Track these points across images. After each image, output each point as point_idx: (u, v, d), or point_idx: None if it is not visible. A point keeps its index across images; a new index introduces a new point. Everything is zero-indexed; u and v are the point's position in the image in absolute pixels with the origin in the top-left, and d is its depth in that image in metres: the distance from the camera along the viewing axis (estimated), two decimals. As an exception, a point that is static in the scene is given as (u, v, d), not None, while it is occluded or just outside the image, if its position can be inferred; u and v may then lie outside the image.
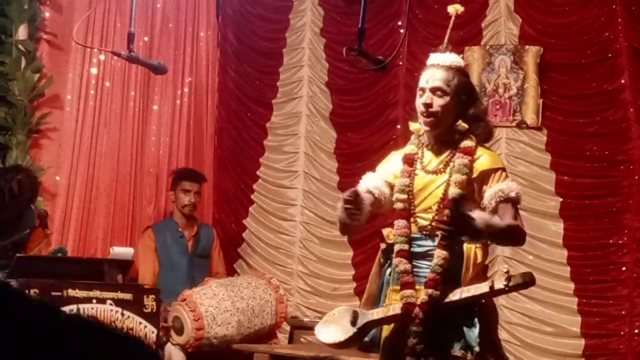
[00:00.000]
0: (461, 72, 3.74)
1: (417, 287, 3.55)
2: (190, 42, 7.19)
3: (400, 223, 3.64)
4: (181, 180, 6.59)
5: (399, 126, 6.37)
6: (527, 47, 6.01)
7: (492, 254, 5.94)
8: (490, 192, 3.58)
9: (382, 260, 3.76)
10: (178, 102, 7.10)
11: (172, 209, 6.71)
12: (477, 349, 3.46)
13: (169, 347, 5.97)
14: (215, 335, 5.98)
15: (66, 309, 4.71)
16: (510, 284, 3.41)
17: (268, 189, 7.07)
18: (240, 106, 7.25)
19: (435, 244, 3.56)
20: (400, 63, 6.43)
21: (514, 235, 3.60)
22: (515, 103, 6.02)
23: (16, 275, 4.80)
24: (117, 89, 6.65)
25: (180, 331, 5.94)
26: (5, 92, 6.11)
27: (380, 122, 6.58)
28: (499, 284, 3.43)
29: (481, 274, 3.62)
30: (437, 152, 3.71)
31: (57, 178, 6.31)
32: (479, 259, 3.55)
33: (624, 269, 5.68)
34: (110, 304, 5.01)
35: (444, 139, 3.70)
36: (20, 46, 6.15)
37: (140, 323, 5.09)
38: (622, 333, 5.62)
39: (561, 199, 5.91)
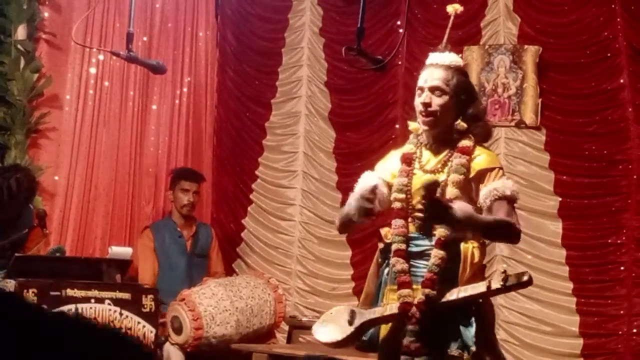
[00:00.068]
0: (460, 72, 3.73)
1: (414, 286, 3.55)
2: (189, 42, 7.19)
3: (397, 222, 3.64)
4: (180, 179, 6.59)
5: (397, 126, 6.37)
6: (526, 46, 6.01)
7: (491, 253, 5.96)
8: (485, 190, 3.58)
9: (380, 259, 3.75)
10: (177, 101, 7.10)
11: (170, 208, 6.71)
12: (473, 348, 3.46)
13: (167, 347, 5.98)
14: (214, 335, 5.98)
15: (65, 308, 4.75)
16: (507, 283, 3.41)
17: (267, 189, 7.07)
18: (239, 106, 7.25)
19: (433, 243, 3.56)
20: (399, 63, 6.43)
21: (503, 231, 3.57)
22: (514, 103, 6.02)
23: (15, 275, 4.81)
24: (116, 88, 6.65)
25: (179, 331, 5.94)
26: (4, 92, 6.11)
27: (379, 122, 6.58)
28: (496, 284, 3.42)
29: (478, 273, 3.62)
30: (436, 152, 3.71)
31: (56, 178, 6.31)
32: (476, 259, 3.54)
33: (622, 268, 5.68)
34: (109, 304, 5.01)
35: (443, 138, 3.70)
36: (19, 46, 6.15)
37: (138, 323, 5.10)
38: (620, 332, 5.62)
39: (560, 199, 5.91)
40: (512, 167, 5.98)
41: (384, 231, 3.72)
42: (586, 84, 5.86)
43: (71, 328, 1.37)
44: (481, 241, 3.63)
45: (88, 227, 6.46)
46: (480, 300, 3.57)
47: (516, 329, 5.93)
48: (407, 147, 3.79)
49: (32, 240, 5.46)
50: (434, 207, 3.38)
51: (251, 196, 7.13)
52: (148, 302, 5.17)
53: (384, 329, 3.70)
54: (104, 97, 6.58)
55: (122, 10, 6.52)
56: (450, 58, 3.73)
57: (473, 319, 3.51)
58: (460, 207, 3.42)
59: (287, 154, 7.02)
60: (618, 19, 5.72)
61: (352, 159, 6.60)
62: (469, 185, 3.60)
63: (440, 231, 3.55)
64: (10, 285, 4.74)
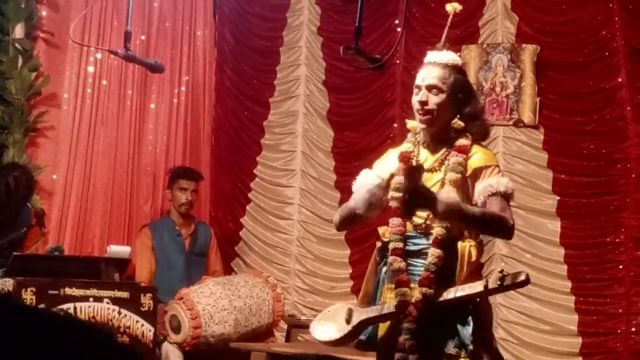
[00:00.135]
0: (458, 70, 3.73)
1: (412, 285, 3.55)
2: (188, 41, 7.19)
3: (395, 221, 3.64)
4: (178, 178, 6.59)
5: (396, 125, 6.37)
6: (524, 45, 6.01)
7: (489, 252, 5.96)
8: (480, 186, 3.58)
9: (377, 258, 3.76)
10: (175, 100, 7.10)
11: (169, 207, 6.71)
12: (471, 347, 3.46)
13: (166, 346, 5.98)
14: (213, 334, 5.98)
15: (63, 307, 4.75)
16: (505, 283, 3.41)
17: (265, 188, 7.07)
18: (238, 105, 7.25)
19: (430, 242, 3.56)
20: (398, 62, 6.43)
21: (495, 225, 3.55)
22: (512, 101, 6.02)
23: (13, 274, 4.80)
24: (114, 87, 6.65)
25: (177, 330, 5.94)
26: (2, 90, 6.11)
27: (377, 121, 6.58)
28: (493, 283, 3.43)
29: (476, 272, 3.62)
30: (433, 150, 3.71)
31: (54, 177, 6.31)
32: (474, 257, 3.54)
33: (621, 267, 5.68)
34: (107, 303, 5.01)
35: (440, 137, 3.70)
36: (17, 45, 6.15)
37: (137, 321, 5.09)
38: (619, 331, 5.63)
39: (558, 198, 5.91)
40: (511, 166, 5.98)
41: (381, 230, 3.72)
42: (584, 83, 5.86)
43: (57, 327, 1.37)
44: (478, 239, 3.62)
45: (86, 226, 6.46)
46: (478, 299, 3.58)
47: (515, 328, 5.94)
48: (405, 146, 3.79)
49: (30, 239, 5.45)
50: (416, 192, 3.38)
51: (250, 195, 7.13)
52: (147, 300, 5.17)
53: (382, 328, 3.70)
54: (102, 96, 6.58)
55: (120, 9, 6.52)
56: (448, 56, 3.73)
57: (470, 317, 3.51)
58: (445, 196, 3.43)
59: (286, 153, 7.02)
60: (616, 18, 5.71)
61: (350, 157, 6.60)
62: (466, 184, 3.60)
63: (437, 230, 3.55)
64: (9, 284, 4.74)
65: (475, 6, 6.16)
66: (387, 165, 3.81)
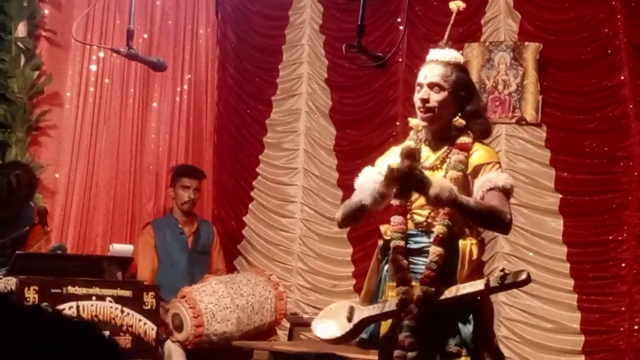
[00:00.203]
0: (460, 68, 3.73)
1: (413, 283, 3.55)
2: (190, 40, 7.19)
3: (396, 219, 3.64)
4: (180, 176, 6.60)
5: (398, 123, 6.37)
6: (526, 43, 6.01)
7: (492, 250, 5.96)
8: (479, 182, 3.57)
9: (379, 256, 3.76)
10: (177, 99, 7.10)
11: (171, 206, 6.72)
12: (471, 345, 3.46)
13: (168, 344, 5.98)
14: (215, 332, 5.99)
15: (66, 306, 4.76)
16: (506, 282, 3.41)
17: (267, 186, 7.07)
18: (240, 103, 7.25)
19: (431, 240, 3.56)
20: (400, 60, 6.43)
21: (490, 218, 3.51)
22: (515, 99, 6.02)
23: (16, 273, 4.81)
24: (116, 86, 6.65)
25: (179, 328, 5.95)
26: (4, 89, 6.11)
27: (379, 119, 6.58)
28: (494, 282, 3.42)
29: (477, 270, 3.62)
30: (435, 148, 3.71)
31: (57, 175, 6.31)
32: (475, 256, 3.54)
33: (623, 265, 5.68)
34: (110, 301, 5.01)
35: (442, 135, 3.69)
36: (19, 44, 6.15)
37: (139, 320, 5.10)
38: (621, 329, 5.62)
39: (561, 196, 5.91)
40: (513, 164, 5.98)
41: (383, 228, 3.72)
42: (587, 81, 5.85)
43: (39, 324, 1.38)
44: (480, 238, 3.62)
45: (89, 225, 6.46)
46: (479, 298, 3.57)
47: (517, 326, 5.93)
48: (407, 144, 3.78)
49: (33, 237, 5.46)
50: (410, 172, 3.37)
51: (252, 193, 7.13)
52: (149, 299, 5.17)
53: (385, 326, 3.70)
54: (104, 95, 6.58)
55: (122, 7, 6.52)
56: (450, 54, 3.73)
57: (471, 316, 3.51)
58: (440, 181, 3.43)
59: (288, 151, 7.02)
60: (618, 16, 5.71)
61: (352, 156, 6.60)
62: (467, 182, 3.59)
63: (438, 228, 3.55)
64: (12, 282, 4.75)
65: (478, 4, 6.15)
66: (389, 163, 3.80)
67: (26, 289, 4.71)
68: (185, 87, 7.15)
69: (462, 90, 3.66)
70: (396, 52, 5.94)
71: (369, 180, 3.61)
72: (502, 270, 3.43)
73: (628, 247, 5.67)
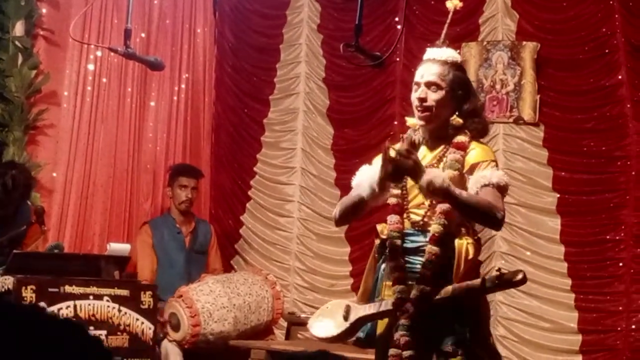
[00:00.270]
0: (457, 67, 3.72)
1: (409, 282, 3.55)
2: (187, 39, 7.19)
3: (393, 218, 3.64)
4: (178, 176, 6.60)
5: (396, 122, 6.37)
6: (524, 43, 6.01)
7: (489, 249, 5.97)
8: (473, 179, 3.55)
9: (376, 255, 3.75)
10: (175, 98, 7.10)
11: (169, 205, 6.71)
12: (468, 344, 3.46)
13: (165, 344, 5.98)
14: (212, 332, 5.99)
15: (63, 305, 4.75)
16: (501, 281, 3.41)
17: (265, 185, 7.07)
18: (238, 102, 7.25)
19: (428, 239, 3.56)
20: (398, 59, 6.43)
21: (480, 211, 3.47)
22: (513, 99, 6.02)
23: (13, 272, 4.81)
24: (114, 85, 6.64)
25: (176, 327, 5.95)
26: (1, 88, 6.11)
27: (377, 118, 6.58)
28: (491, 282, 3.42)
29: (473, 270, 3.61)
30: (432, 147, 3.71)
31: (54, 174, 6.31)
32: (471, 255, 3.53)
33: (621, 264, 5.68)
34: (107, 300, 5.02)
35: (439, 134, 3.69)
36: (17, 42, 6.15)
37: (137, 319, 5.10)
38: (619, 329, 5.62)
39: (558, 195, 5.91)
40: (511, 163, 5.98)
41: (380, 227, 3.72)
42: (584, 81, 5.85)
43: (21, 320, 1.38)
44: (476, 237, 3.62)
45: (86, 224, 6.46)
46: (475, 297, 3.57)
47: (515, 325, 5.93)
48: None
49: (30, 236, 5.46)
50: (407, 156, 3.37)
51: (249, 193, 7.13)
52: (147, 298, 5.17)
53: (381, 325, 3.70)
54: (102, 94, 6.58)
55: (120, 6, 6.52)
56: (447, 53, 3.73)
57: (467, 315, 3.51)
58: (433, 171, 3.42)
59: (285, 151, 7.01)
60: (616, 16, 5.71)
61: (350, 155, 6.60)
62: (464, 180, 3.59)
63: (434, 227, 3.54)
64: (9, 282, 4.75)
65: (476, 3, 6.16)
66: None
67: (23, 288, 4.71)
68: (183, 86, 7.15)
69: (459, 89, 3.66)
70: (394, 51, 5.93)
71: (367, 176, 3.61)
72: (498, 269, 3.43)
73: (625, 246, 5.67)
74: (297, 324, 6.50)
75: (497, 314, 5.92)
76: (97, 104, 6.54)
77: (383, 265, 3.69)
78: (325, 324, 3.77)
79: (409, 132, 3.81)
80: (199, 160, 7.19)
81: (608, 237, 5.73)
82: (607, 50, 5.77)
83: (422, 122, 3.67)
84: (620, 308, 5.64)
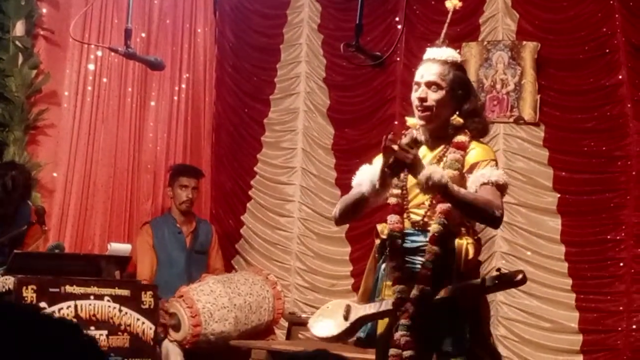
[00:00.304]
0: (457, 67, 3.72)
1: (409, 282, 3.55)
2: (188, 39, 7.18)
3: (393, 218, 3.64)
4: (178, 176, 6.59)
5: (396, 122, 6.36)
6: (524, 42, 6.00)
7: (490, 249, 5.96)
8: (472, 177, 3.55)
9: (377, 255, 3.76)
10: (175, 98, 7.09)
11: (169, 205, 6.71)
12: (467, 344, 3.46)
13: (166, 344, 5.98)
14: (213, 332, 5.99)
15: (64, 305, 4.75)
16: (501, 281, 3.41)
17: (265, 185, 7.07)
18: (238, 102, 7.25)
19: (428, 239, 3.56)
20: (398, 59, 6.42)
21: (478, 209, 3.46)
22: (513, 99, 6.01)
23: (14, 272, 4.81)
24: (114, 85, 6.64)
25: (177, 327, 5.95)
26: (2, 88, 6.11)
27: (377, 118, 6.58)
28: (490, 282, 3.43)
29: (473, 270, 3.61)
30: (432, 147, 3.71)
31: (55, 174, 6.31)
32: (471, 255, 3.53)
33: (621, 264, 5.67)
34: (108, 300, 5.01)
35: (439, 133, 3.69)
36: (17, 42, 6.15)
37: (137, 319, 5.10)
38: (619, 329, 5.62)
39: (559, 195, 5.91)
40: (511, 163, 5.98)
41: (380, 227, 3.72)
42: (585, 80, 5.85)
43: (17, 319, 1.38)
44: (476, 237, 3.62)
45: (87, 224, 6.46)
46: (475, 297, 3.57)
47: (515, 325, 5.93)
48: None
49: (31, 236, 5.46)
50: (407, 150, 3.38)
51: (250, 192, 7.13)
52: (147, 298, 5.17)
53: (382, 325, 3.70)
54: (102, 94, 6.57)
55: (120, 6, 6.52)
56: (447, 53, 3.73)
57: (468, 315, 3.51)
58: (433, 167, 3.42)
59: (286, 151, 7.01)
60: (616, 15, 5.71)
61: (350, 155, 6.59)
62: (464, 180, 3.59)
63: (434, 227, 3.55)
64: (10, 281, 4.75)
65: (476, 3, 6.15)
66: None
67: (24, 288, 4.71)
68: (183, 86, 7.15)
69: (459, 88, 3.66)
70: (394, 51, 5.93)
71: (368, 174, 3.61)
72: (498, 270, 3.43)
73: (626, 246, 5.67)
74: (297, 324, 6.50)
75: (498, 314, 5.92)
76: (97, 104, 6.54)
77: (383, 265, 3.69)
78: (325, 324, 3.78)
79: (412, 131, 3.81)
80: (199, 160, 7.18)
81: (608, 237, 5.73)
82: (607, 50, 5.76)
83: (422, 122, 3.67)
84: (621, 308, 5.64)
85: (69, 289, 4.88)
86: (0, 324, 1.34)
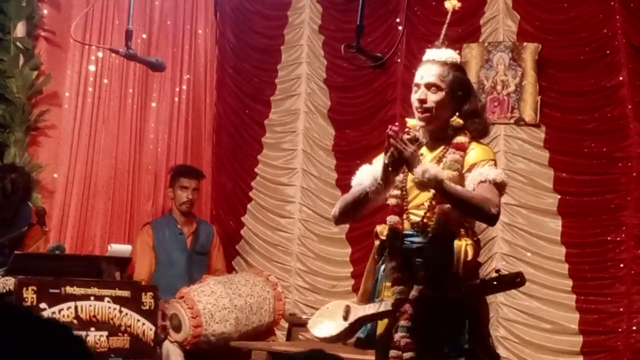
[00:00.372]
0: (456, 68, 3.72)
1: (408, 283, 3.55)
2: (189, 40, 7.19)
3: (392, 219, 3.64)
4: (179, 177, 6.60)
5: (397, 123, 6.33)
6: (525, 44, 6.01)
7: (490, 250, 5.96)
8: (470, 176, 3.54)
9: (376, 256, 3.75)
10: (176, 99, 7.10)
11: (170, 206, 6.72)
12: (466, 345, 3.46)
13: (166, 345, 5.98)
14: (213, 333, 5.99)
15: (64, 306, 4.75)
16: (500, 283, 3.41)
17: (266, 186, 7.07)
18: (239, 103, 7.25)
19: (427, 240, 3.55)
20: (399, 60, 6.42)
21: (474, 205, 3.44)
22: (514, 100, 6.01)
23: (14, 273, 4.81)
24: (115, 86, 6.65)
25: (178, 328, 5.95)
26: (3, 89, 6.12)
27: (378, 119, 6.58)
28: (489, 283, 3.43)
29: (472, 271, 3.61)
30: (432, 148, 3.71)
31: (55, 175, 6.31)
32: (470, 256, 3.52)
33: (622, 265, 5.67)
34: (109, 301, 5.01)
35: (439, 135, 3.69)
36: (18, 43, 6.16)
37: (138, 320, 5.10)
38: (620, 330, 5.62)
39: (559, 196, 5.91)
40: (512, 164, 5.98)
41: (379, 228, 3.72)
42: (585, 82, 5.85)
43: (5, 320, 1.38)
44: (475, 238, 3.61)
45: (87, 225, 6.46)
46: (474, 298, 3.57)
47: (516, 327, 5.93)
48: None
49: (31, 237, 5.46)
50: (408, 145, 3.38)
51: (250, 194, 7.13)
52: (148, 299, 5.17)
53: (381, 326, 3.70)
54: (103, 95, 6.58)
55: (121, 7, 6.52)
56: (447, 54, 3.72)
57: (467, 316, 3.51)
58: (430, 164, 3.42)
59: (287, 152, 7.01)
60: (617, 17, 5.71)
61: (351, 156, 6.59)
62: (463, 181, 3.58)
63: (434, 228, 3.55)
64: (10, 282, 4.75)
65: (477, 4, 6.16)
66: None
67: (24, 289, 4.71)
68: (184, 87, 7.15)
69: (459, 89, 3.66)
70: (395, 52, 5.94)
71: (370, 171, 3.61)
72: (497, 271, 3.43)
73: (626, 247, 5.66)
74: (298, 325, 6.50)
75: (498, 315, 5.92)
76: (98, 105, 6.54)
77: (383, 266, 3.69)
78: (325, 325, 3.78)
79: (414, 132, 3.82)
80: (200, 161, 7.19)
81: (609, 238, 5.73)
82: (608, 51, 5.76)
83: (422, 123, 3.67)
84: (621, 309, 5.64)
85: (69, 290, 4.88)
86: (0, 324, 1.34)
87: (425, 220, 3.59)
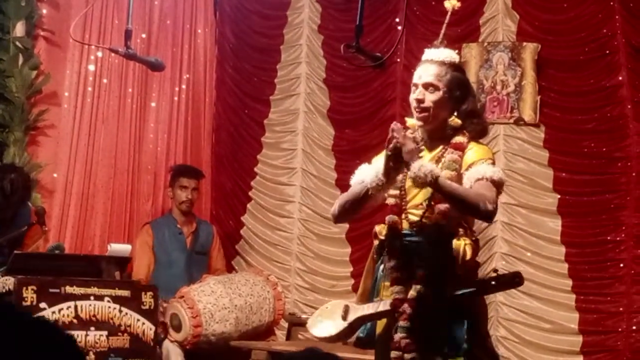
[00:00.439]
0: (455, 68, 3.71)
1: (407, 283, 3.55)
2: (188, 39, 7.19)
3: (391, 219, 3.64)
4: (179, 176, 6.60)
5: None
6: (524, 44, 6.01)
7: (490, 250, 5.96)
8: (467, 174, 3.54)
9: (375, 256, 3.75)
10: (176, 99, 7.10)
11: (170, 205, 6.72)
12: (465, 345, 3.46)
13: (166, 344, 5.98)
14: (213, 332, 5.99)
15: (64, 306, 4.75)
16: (498, 282, 3.41)
17: (266, 186, 7.07)
18: (238, 103, 7.25)
19: (425, 240, 3.55)
20: (398, 60, 6.42)
21: (468, 201, 3.43)
22: (513, 100, 6.02)
23: (14, 272, 4.81)
24: (114, 85, 6.65)
25: (178, 328, 5.95)
26: (2, 89, 6.12)
27: (378, 119, 6.58)
28: (488, 283, 3.42)
29: (471, 271, 3.61)
30: (430, 148, 3.70)
31: (55, 175, 6.31)
32: (468, 256, 3.52)
33: (621, 265, 5.67)
34: (108, 301, 5.02)
35: (437, 135, 3.69)
36: (17, 43, 6.16)
37: (138, 320, 5.10)
38: (619, 330, 5.62)
39: (559, 196, 5.91)
40: (511, 164, 5.98)
41: (378, 228, 3.72)
42: (585, 82, 5.85)
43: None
44: (474, 238, 3.61)
45: (87, 225, 6.47)
46: (473, 298, 3.57)
47: (515, 326, 5.93)
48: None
49: (31, 237, 5.46)
50: (409, 141, 3.37)
51: (250, 193, 7.13)
52: (147, 299, 5.17)
53: (380, 326, 3.70)
54: (102, 94, 6.58)
55: (120, 7, 6.53)
56: (445, 54, 3.72)
57: (465, 316, 3.51)
58: (431, 165, 3.41)
59: (286, 151, 7.01)
60: (617, 17, 5.71)
61: (350, 156, 6.58)
62: (461, 181, 3.58)
63: (432, 228, 3.54)
64: (10, 282, 4.75)
65: (476, 4, 6.16)
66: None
67: (24, 288, 4.71)
68: (184, 86, 7.15)
69: (457, 89, 3.65)
70: (394, 52, 5.93)
71: (371, 169, 3.60)
72: (496, 271, 3.43)
73: (626, 247, 5.67)
74: (298, 324, 6.51)
75: (498, 315, 5.92)
76: (97, 105, 6.54)
77: (382, 266, 3.69)
78: (324, 324, 3.78)
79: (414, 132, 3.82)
80: (199, 160, 7.19)
81: (609, 238, 5.73)
82: (607, 51, 5.76)
83: (420, 123, 3.67)
84: (621, 309, 5.64)
85: (69, 289, 4.88)
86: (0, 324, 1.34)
87: (424, 220, 3.59)
